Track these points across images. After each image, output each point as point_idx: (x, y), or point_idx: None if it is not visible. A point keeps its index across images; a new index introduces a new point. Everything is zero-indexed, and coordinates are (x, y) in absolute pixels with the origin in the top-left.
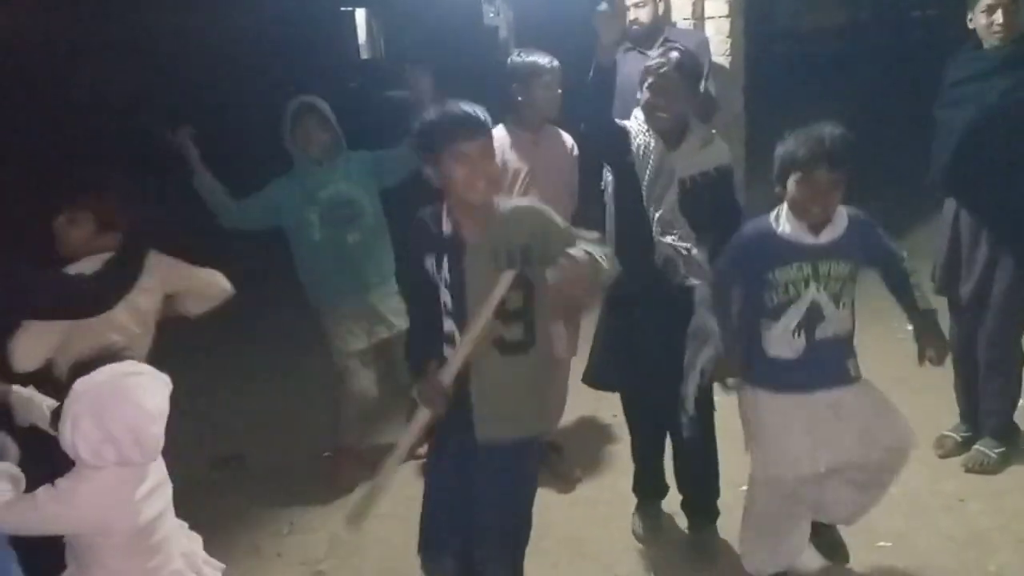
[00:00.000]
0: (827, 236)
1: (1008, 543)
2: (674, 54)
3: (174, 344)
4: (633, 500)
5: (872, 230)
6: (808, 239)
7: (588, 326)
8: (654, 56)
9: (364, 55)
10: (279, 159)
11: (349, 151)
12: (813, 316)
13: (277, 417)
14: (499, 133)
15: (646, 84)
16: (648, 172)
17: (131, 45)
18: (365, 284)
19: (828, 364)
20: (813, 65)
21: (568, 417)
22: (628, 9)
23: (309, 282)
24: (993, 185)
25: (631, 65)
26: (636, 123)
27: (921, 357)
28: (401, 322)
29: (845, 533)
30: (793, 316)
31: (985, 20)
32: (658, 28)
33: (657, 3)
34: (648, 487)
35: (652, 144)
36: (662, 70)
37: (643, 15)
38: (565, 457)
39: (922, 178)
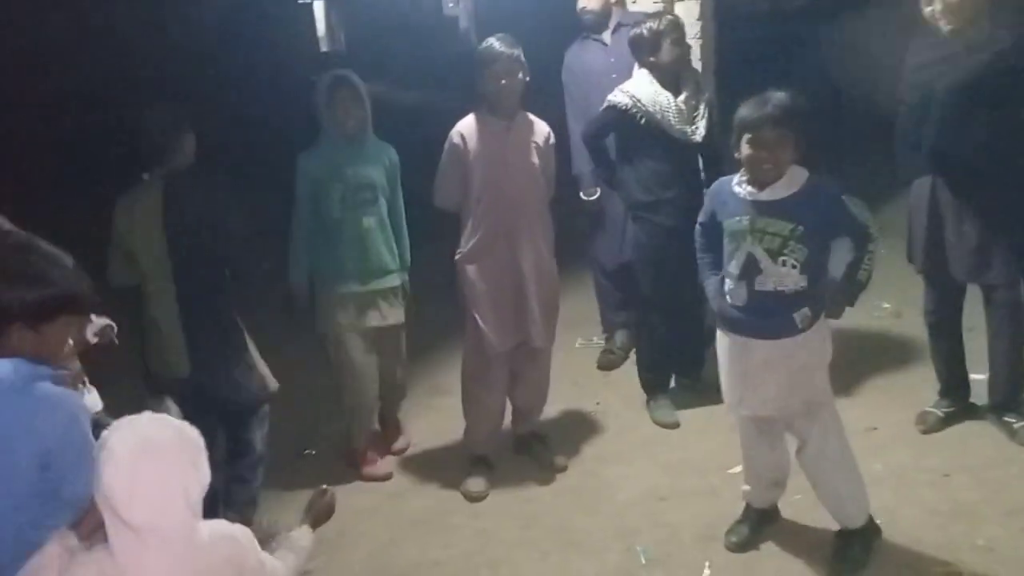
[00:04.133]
0: (769, 195)
1: (995, 516)
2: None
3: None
4: (620, 486)
5: (835, 200)
6: (751, 195)
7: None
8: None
9: (324, 47)
10: (245, 152)
11: (376, 137)
12: (750, 268)
13: None
14: (468, 122)
15: (669, 41)
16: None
17: (88, 40)
18: (369, 270)
19: (770, 316)
20: (783, 46)
21: (551, 407)
22: None
23: (312, 257)
24: (974, 163)
25: (590, 53)
26: (641, 89)
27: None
28: (394, 317)
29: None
30: (735, 266)
31: (928, 9)
32: (608, 13)
33: None
34: (661, 379)
35: (663, 97)
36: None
37: (592, 3)
38: (549, 446)
39: (893, 160)
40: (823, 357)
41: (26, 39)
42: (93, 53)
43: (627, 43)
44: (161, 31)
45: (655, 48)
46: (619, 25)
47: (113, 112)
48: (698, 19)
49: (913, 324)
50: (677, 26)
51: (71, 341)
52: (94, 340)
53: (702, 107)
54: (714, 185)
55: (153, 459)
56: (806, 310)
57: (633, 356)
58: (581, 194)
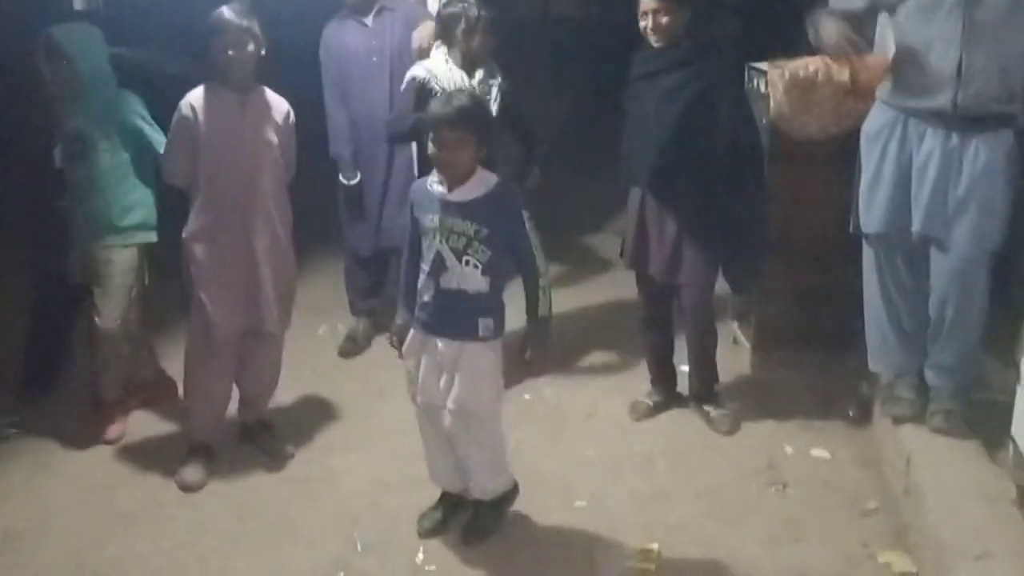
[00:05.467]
0: (458, 195)
1: (688, 497)
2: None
3: None
4: (346, 474)
5: (513, 212)
6: (442, 195)
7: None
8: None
9: (78, 6)
10: None
11: (117, 89)
12: (438, 265)
13: None
14: (198, 93)
15: (479, 28)
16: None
17: None
18: (78, 225)
19: (452, 315)
20: (546, 53)
21: (286, 395)
22: None
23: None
24: (673, 175)
25: (350, 34)
26: (438, 66)
27: (523, 356)
28: (97, 282)
29: (546, 494)
30: (426, 262)
31: (642, 24)
32: None
33: None
34: None
35: (458, 75)
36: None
37: None
38: (276, 435)
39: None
40: (493, 375)
41: None
42: None
43: (438, 20)
44: None
45: (468, 31)
46: (382, 8)
47: None
48: None
49: (636, 316)
50: (487, 17)
51: None
52: None
53: (494, 90)
54: (415, 183)
55: None
56: (491, 321)
57: (375, 345)
58: (340, 177)
